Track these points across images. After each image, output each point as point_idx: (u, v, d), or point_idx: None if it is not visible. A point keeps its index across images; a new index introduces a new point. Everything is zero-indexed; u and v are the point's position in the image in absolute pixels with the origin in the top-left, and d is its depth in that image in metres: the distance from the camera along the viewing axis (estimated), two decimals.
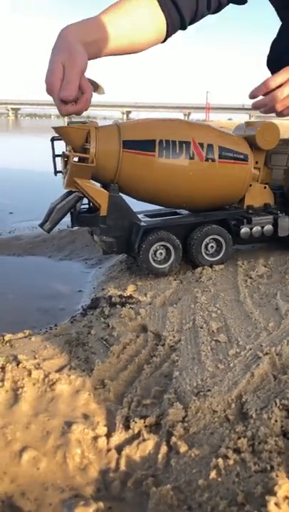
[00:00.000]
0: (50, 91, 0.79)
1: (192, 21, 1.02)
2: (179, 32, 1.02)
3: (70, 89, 0.78)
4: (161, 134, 0.92)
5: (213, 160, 0.95)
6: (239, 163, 0.98)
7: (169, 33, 0.98)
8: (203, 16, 1.01)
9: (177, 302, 0.79)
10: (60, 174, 0.97)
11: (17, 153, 5.05)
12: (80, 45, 0.81)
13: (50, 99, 0.78)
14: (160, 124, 0.97)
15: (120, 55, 0.94)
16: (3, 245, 1.26)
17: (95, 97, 1.01)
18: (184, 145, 0.93)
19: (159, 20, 0.95)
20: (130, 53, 0.97)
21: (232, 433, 0.49)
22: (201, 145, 0.94)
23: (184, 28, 1.00)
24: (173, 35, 1.01)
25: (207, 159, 0.94)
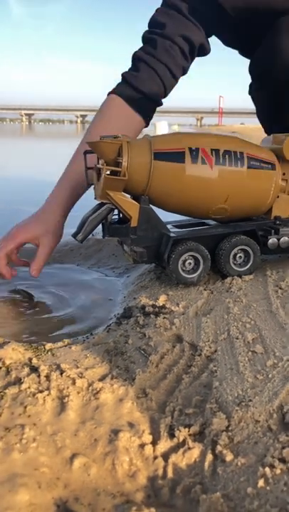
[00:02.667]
0: None
1: (166, 95, 1.19)
2: None
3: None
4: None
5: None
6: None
7: (150, 118, 1.17)
8: (173, 87, 1.20)
9: (210, 312, 0.81)
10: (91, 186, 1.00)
11: (36, 159, 5.12)
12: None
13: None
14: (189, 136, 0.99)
15: None
16: (33, 253, 1.29)
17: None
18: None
19: (136, 122, 1.17)
20: None
21: (276, 443, 0.50)
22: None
23: (160, 103, 1.19)
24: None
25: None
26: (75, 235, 0.97)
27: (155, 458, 0.53)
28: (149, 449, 0.53)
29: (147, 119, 1.17)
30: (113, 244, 1.30)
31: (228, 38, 1.27)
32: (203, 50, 1.17)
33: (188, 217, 1.08)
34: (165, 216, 1.01)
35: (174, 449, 0.54)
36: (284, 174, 1.03)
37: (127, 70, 1.14)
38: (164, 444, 0.54)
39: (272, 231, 1.01)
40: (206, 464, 0.51)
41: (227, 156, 0.95)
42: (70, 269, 1.23)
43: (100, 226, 0.98)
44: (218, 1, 1.09)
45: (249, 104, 1.57)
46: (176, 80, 1.15)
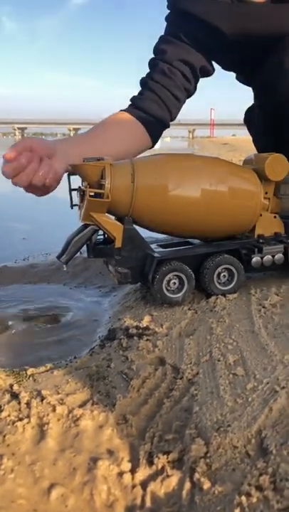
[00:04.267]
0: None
1: (172, 116, 1.24)
2: None
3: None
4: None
5: None
6: None
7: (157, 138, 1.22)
8: (178, 108, 1.23)
9: (193, 333, 0.82)
10: (76, 207, 1.00)
11: None
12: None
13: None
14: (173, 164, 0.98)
15: None
16: (20, 273, 1.29)
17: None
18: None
19: (143, 140, 1.21)
20: None
21: (253, 469, 0.50)
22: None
23: (166, 124, 1.23)
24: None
25: None
26: (59, 257, 0.97)
27: (134, 486, 0.53)
28: (127, 478, 0.53)
29: (152, 132, 1.20)
30: (100, 263, 1.30)
31: (228, 61, 1.30)
32: (206, 72, 1.22)
33: (172, 237, 1.09)
34: (149, 234, 1.02)
35: (153, 477, 0.53)
36: (266, 193, 1.05)
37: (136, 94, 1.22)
38: (143, 472, 0.54)
39: (256, 249, 1.02)
40: (184, 492, 0.51)
41: None
42: (56, 289, 1.23)
43: (85, 247, 0.99)
44: (214, 23, 1.12)
45: (241, 116, 1.59)
46: (179, 101, 1.22)
